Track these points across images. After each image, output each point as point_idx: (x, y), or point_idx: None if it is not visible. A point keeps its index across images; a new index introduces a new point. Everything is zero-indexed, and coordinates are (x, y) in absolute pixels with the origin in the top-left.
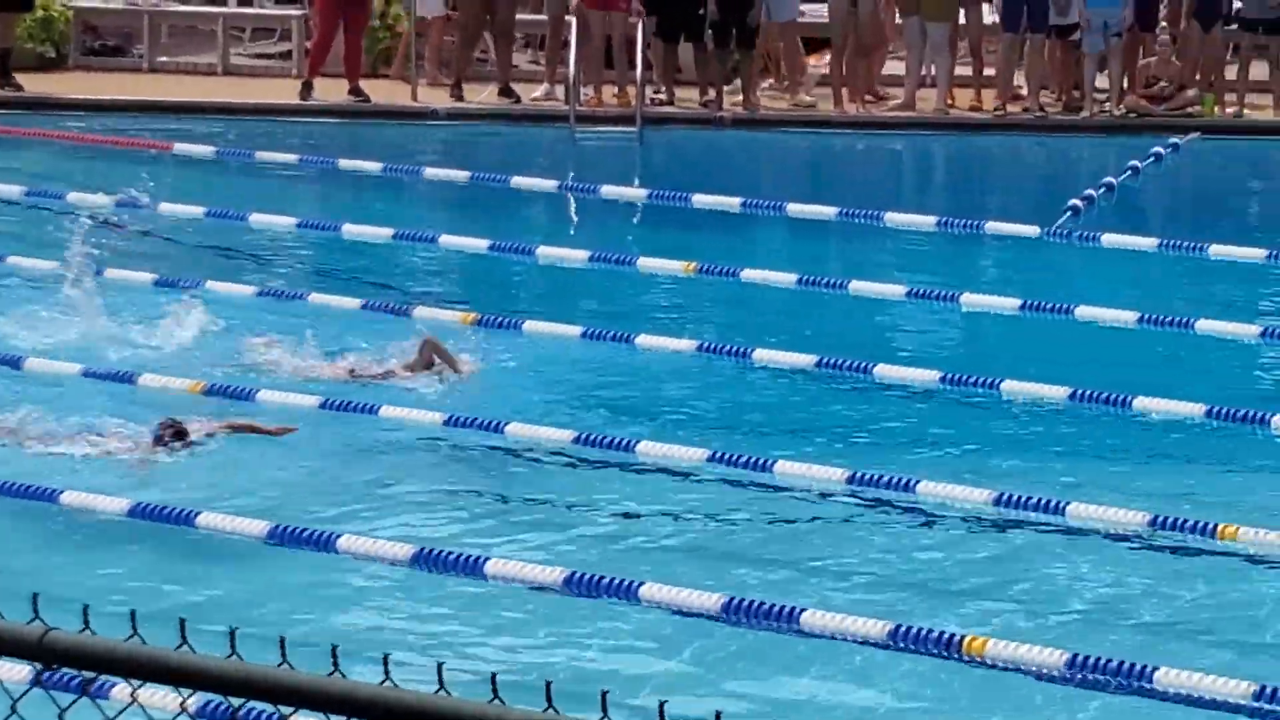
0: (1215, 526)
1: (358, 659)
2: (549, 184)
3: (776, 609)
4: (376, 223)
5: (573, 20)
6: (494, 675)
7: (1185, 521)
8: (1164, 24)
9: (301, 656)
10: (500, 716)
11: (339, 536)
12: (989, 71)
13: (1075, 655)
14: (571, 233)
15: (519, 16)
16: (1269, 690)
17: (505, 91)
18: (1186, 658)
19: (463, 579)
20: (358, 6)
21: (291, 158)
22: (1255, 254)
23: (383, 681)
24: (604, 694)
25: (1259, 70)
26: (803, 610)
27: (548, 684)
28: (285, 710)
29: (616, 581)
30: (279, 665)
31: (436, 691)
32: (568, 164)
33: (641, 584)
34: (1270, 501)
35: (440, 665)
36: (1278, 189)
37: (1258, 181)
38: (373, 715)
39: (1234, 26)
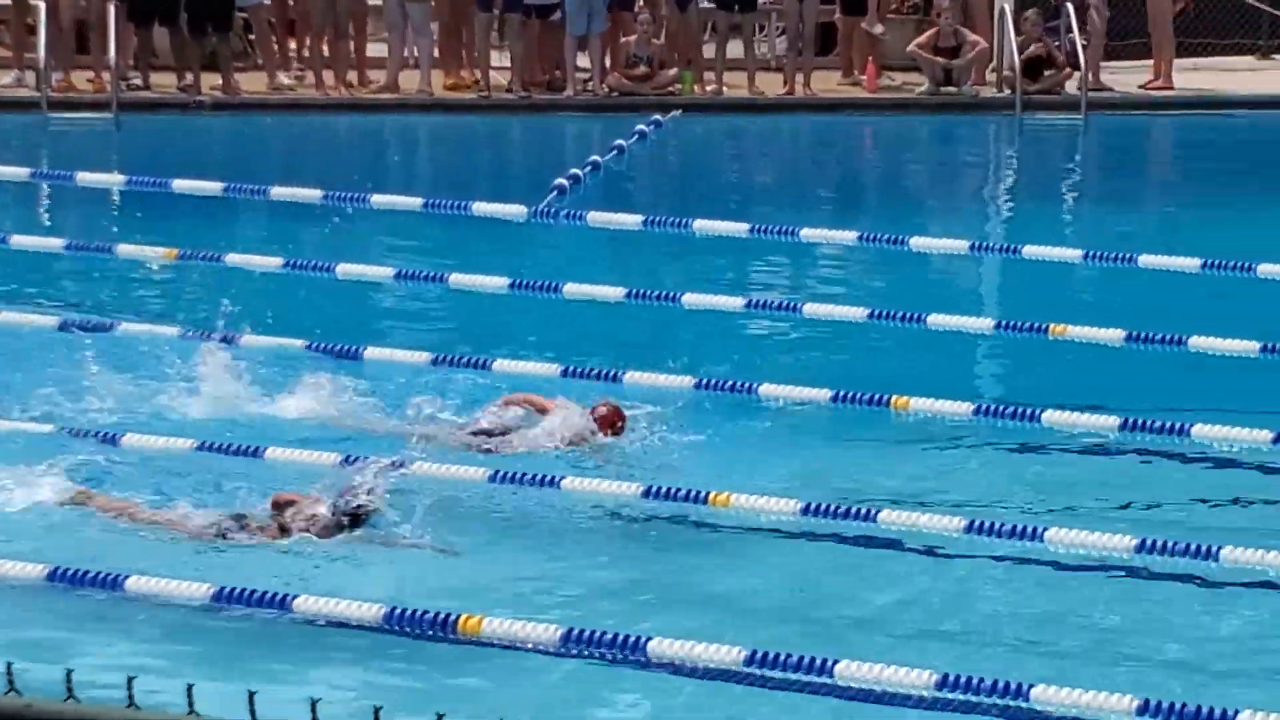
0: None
1: None
2: (21, 172)
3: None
4: None
5: (40, 4)
6: None
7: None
8: (642, 3)
9: None
10: None
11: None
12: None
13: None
14: (47, 221)
15: None
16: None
17: None
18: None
19: None
20: None
21: None
22: (738, 228)
23: None
24: None
25: (735, 49)
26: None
27: None
28: None
29: None
30: None
31: None
32: (41, 152)
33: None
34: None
35: None
36: (756, 164)
37: (735, 157)
38: None
39: (710, 5)
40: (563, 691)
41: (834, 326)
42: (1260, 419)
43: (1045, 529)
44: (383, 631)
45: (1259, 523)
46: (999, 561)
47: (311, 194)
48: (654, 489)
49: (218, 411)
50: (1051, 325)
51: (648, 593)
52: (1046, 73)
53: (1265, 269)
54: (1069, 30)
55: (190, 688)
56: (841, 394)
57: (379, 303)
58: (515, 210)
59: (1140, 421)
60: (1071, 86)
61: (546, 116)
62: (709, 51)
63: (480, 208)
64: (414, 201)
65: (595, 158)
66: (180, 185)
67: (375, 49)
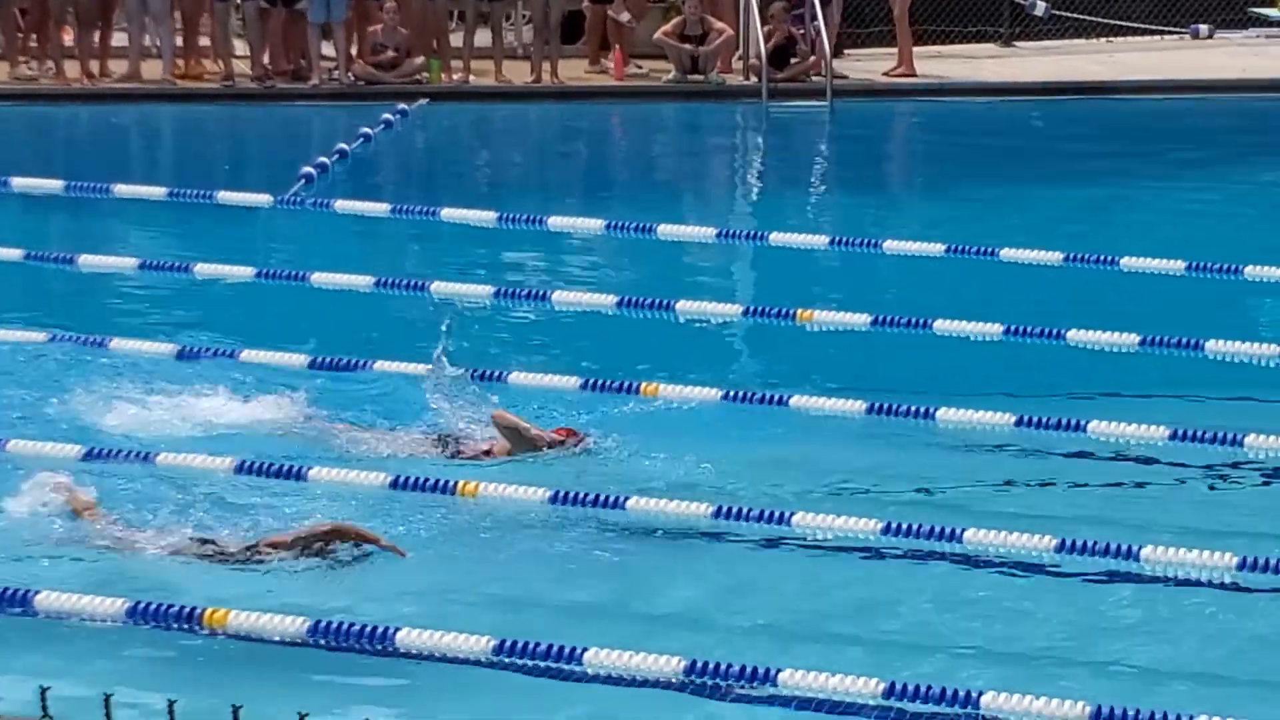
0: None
1: None
2: None
3: None
4: None
5: None
6: None
7: None
8: None
9: None
10: None
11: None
12: (205, 42)
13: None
14: None
15: None
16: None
17: None
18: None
19: None
20: None
21: None
22: (486, 216)
23: None
24: None
25: (483, 37)
26: None
27: None
28: None
29: None
30: None
31: None
32: None
33: None
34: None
35: None
36: (504, 152)
37: (483, 146)
38: None
39: None
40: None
41: (582, 315)
42: (1004, 402)
43: (792, 514)
44: (128, 628)
45: (997, 503)
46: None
47: (53, 184)
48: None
49: None
50: (799, 311)
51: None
52: (793, 60)
53: (1007, 253)
54: (814, 18)
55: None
56: (591, 382)
57: (123, 293)
58: (261, 199)
59: (888, 406)
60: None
61: (292, 106)
62: (456, 40)
63: (225, 196)
64: (158, 191)
65: (342, 146)
66: None
67: (117, 39)
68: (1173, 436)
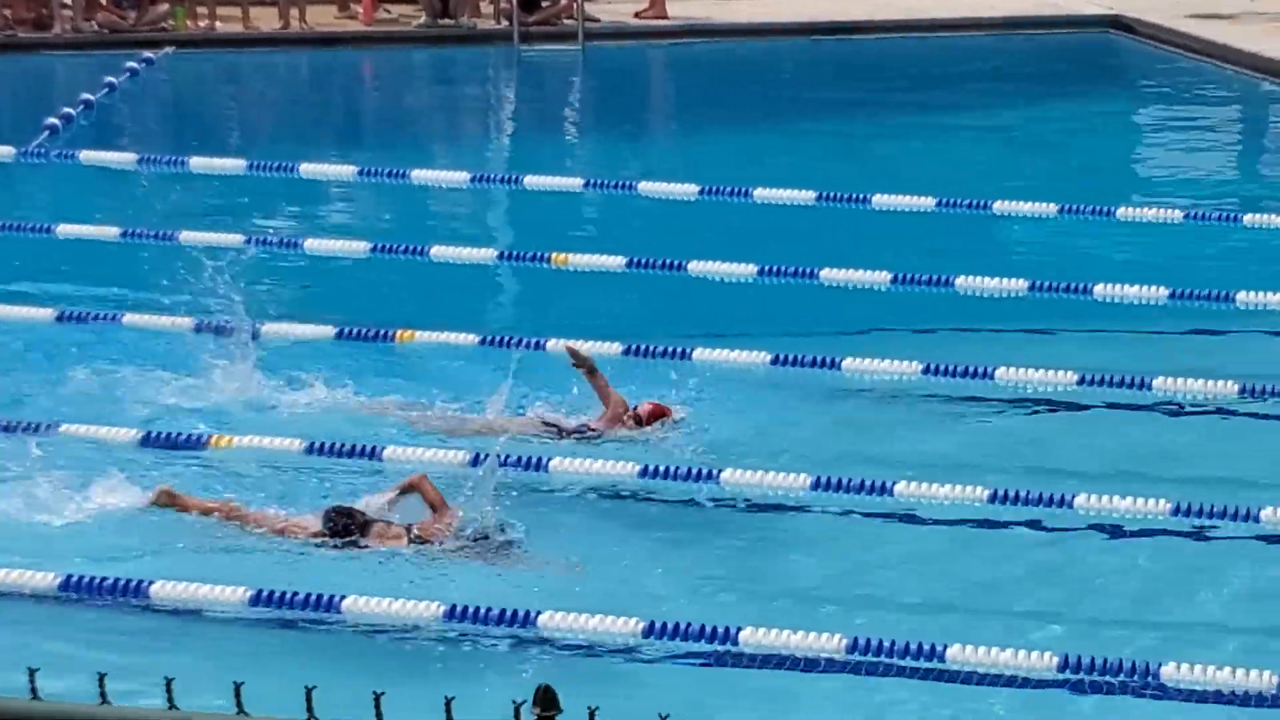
0: None
1: None
2: None
3: None
4: None
5: None
6: None
7: None
8: None
9: None
10: None
11: None
12: None
13: None
14: None
15: None
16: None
17: None
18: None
19: None
20: None
21: None
22: (236, 164)
23: None
24: None
25: None
26: None
27: None
28: None
29: None
30: None
31: None
32: None
33: None
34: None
35: None
36: (252, 100)
37: (232, 93)
38: None
39: None
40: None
41: (336, 262)
42: (759, 341)
43: (548, 459)
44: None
45: (756, 444)
46: None
47: None
48: None
49: None
50: (554, 254)
51: None
52: (543, 4)
53: (761, 194)
54: None
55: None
56: (345, 330)
57: None
58: (4, 151)
59: (644, 348)
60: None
61: (34, 56)
62: None
63: None
64: None
65: (87, 96)
66: None
67: None
68: (925, 371)
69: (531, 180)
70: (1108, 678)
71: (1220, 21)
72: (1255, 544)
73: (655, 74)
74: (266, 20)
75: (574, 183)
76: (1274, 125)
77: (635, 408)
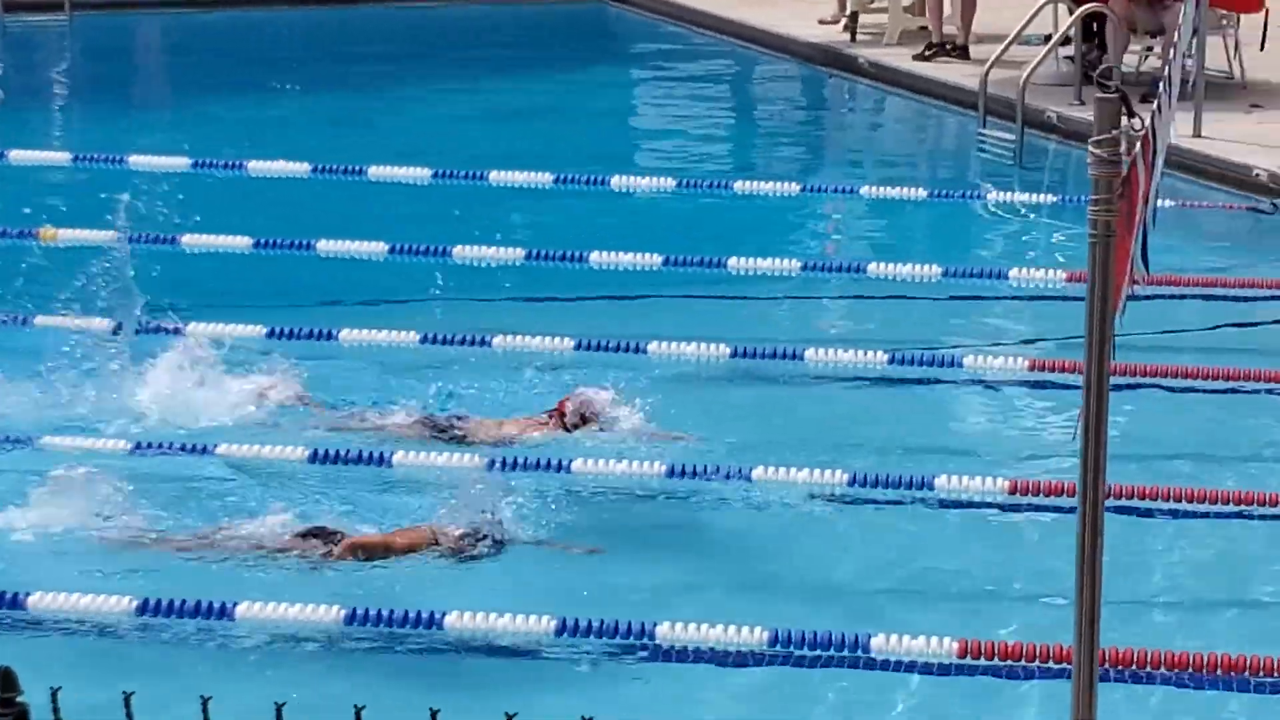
0: None
1: None
2: None
3: None
4: None
5: None
6: None
7: None
8: None
9: None
10: None
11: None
12: None
13: None
14: None
15: None
16: None
17: None
18: None
19: None
20: None
21: None
22: None
23: None
24: None
25: None
26: None
27: None
28: None
29: None
30: None
31: None
32: None
33: None
34: None
35: None
36: None
37: None
38: None
39: None
40: None
41: None
42: (256, 314)
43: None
44: None
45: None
46: None
47: None
48: None
49: None
50: (41, 230)
51: None
52: None
53: (255, 166)
54: None
55: None
56: None
57: None
58: None
59: (143, 324)
60: None
61: None
62: None
63: None
64: None
65: None
66: None
67: None
68: (422, 340)
69: (17, 155)
70: None
71: None
72: None
73: (148, 44)
74: None
75: (61, 157)
76: (760, 92)
77: None
